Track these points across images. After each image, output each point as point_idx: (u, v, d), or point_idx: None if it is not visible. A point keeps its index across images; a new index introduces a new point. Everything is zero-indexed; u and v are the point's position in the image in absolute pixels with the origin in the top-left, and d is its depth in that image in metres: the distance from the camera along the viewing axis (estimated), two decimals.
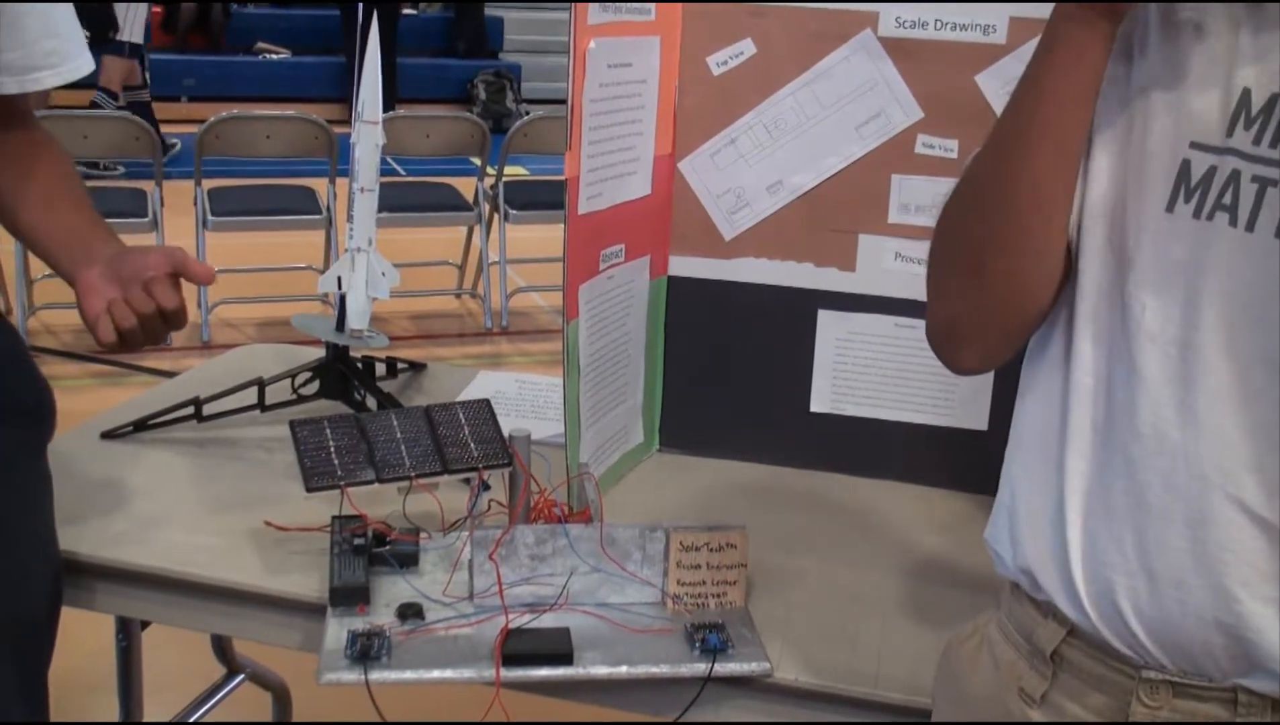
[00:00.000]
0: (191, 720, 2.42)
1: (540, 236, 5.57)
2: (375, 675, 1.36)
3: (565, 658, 1.39)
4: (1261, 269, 0.99)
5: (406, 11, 11.02)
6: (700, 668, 1.39)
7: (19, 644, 1.48)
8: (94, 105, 7.22)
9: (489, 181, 5.68)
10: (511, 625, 1.42)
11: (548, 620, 1.44)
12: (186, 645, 2.35)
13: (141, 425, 1.90)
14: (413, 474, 1.54)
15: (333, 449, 1.55)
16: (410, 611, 1.45)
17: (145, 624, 2.03)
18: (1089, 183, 1.08)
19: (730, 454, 1.97)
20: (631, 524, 1.49)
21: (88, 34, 1.62)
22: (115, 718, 2.03)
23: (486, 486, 1.63)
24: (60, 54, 1.58)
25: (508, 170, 5.71)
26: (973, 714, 1.20)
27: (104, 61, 7.37)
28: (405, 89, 10.10)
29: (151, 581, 1.58)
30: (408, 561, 1.53)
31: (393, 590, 1.49)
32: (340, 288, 1.95)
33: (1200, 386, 1.02)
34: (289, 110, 5.99)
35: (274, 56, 10.76)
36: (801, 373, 1.94)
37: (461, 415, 1.60)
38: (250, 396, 1.95)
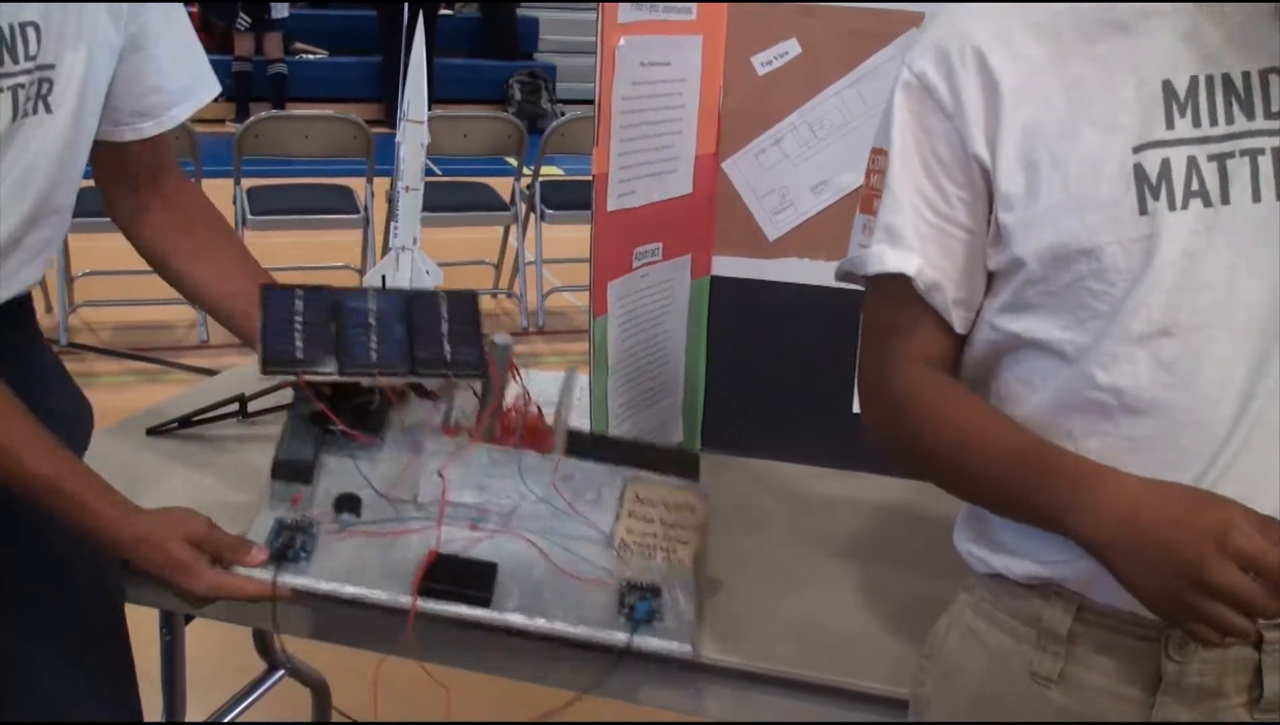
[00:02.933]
0: (231, 716, 2.43)
1: (576, 236, 5.56)
2: (287, 578, 1.32)
3: (483, 600, 1.32)
4: (1256, 236, 1.06)
5: (443, 12, 11.05)
6: (620, 636, 1.32)
7: (100, 633, 1.54)
8: None
9: (525, 181, 5.69)
10: (445, 548, 1.36)
11: (485, 547, 1.38)
12: (228, 639, 2.36)
13: (187, 422, 1.91)
14: (377, 372, 1.42)
15: (300, 326, 1.43)
16: (347, 504, 1.38)
17: (189, 618, 2.04)
18: (1020, 241, 1.10)
19: (773, 454, 1.97)
20: (590, 464, 1.43)
21: None
22: (159, 710, 2.04)
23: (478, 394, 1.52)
24: (188, 87, 1.62)
25: (544, 170, 5.72)
26: (986, 707, 1.20)
27: None
28: (441, 89, 10.11)
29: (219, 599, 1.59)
30: (371, 423, 1.45)
31: (341, 478, 1.42)
32: (384, 286, 1.96)
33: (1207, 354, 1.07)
34: (326, 110, 6.02)
35: (311, 57, 10.81)
36: (845, 373, 1.92)
37: (444, 308, 1.47)
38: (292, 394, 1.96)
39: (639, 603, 1.34)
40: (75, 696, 1.51)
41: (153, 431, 1.90)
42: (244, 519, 1.65)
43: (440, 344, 1.44)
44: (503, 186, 5.80)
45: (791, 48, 1.85)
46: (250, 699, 2.48)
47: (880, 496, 1.87)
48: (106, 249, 4.75)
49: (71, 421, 1.58)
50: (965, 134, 1.12)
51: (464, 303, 1.48)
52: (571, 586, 1.36)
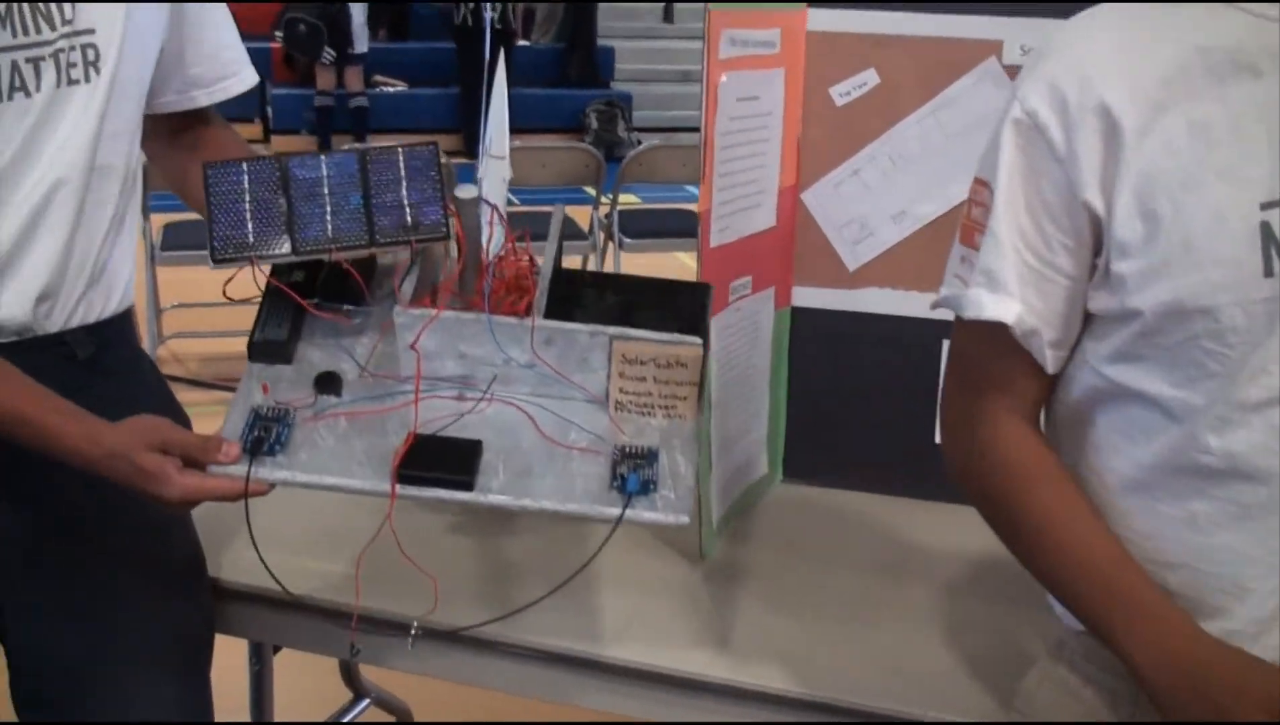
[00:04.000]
0: None
1: (654, 264, 5.59)
2: (263, 473, 1.26)
3: (465, 483, 1.25)
4: None
5: (521, 43, 11.16)
6: (611, 512, 1.24)
7: (185, 661, 1.56)
8: None
9: (603, 210, 5.72)
10: (429, 427, 1.28)
11: (472, 420, 1.30)
12: (315, 669, 2.39)
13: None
14: (332, 247, 1.33)
15: (248, 204, 1.34)
16: (327, 384, 1.33)
17: (277, 648, 2.07)
18: (1136, 292, 1.06)
19: (854, 485, 1.96)
20: (570, 326, 1.32)
21: None
22: None
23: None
24: (239, 60, 1.66)
25: (621, 198, 5.74)
26: None
27: None
28: (518, 119, 10.15)
29: (284, 606, 1.61)
30: (351, 294, 1.39)
31: (324, 354, 1.36)
32: None
33: None
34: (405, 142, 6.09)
35: (390, 89, 10.95)
36: (926, 403, 1.92)
37: (401, 165, 1.36)
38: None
39: (630, 473, 1.26)
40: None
41: None
42: (331, 546, 1.68)
43: (401, 207, 1.35)
44: (581, 215, 5.83)
45: (870, 78, 1.85)
46: None
47: (963, 529, 1.85)
48: (192, 281, 4.83)
49: None
50: (1076, 179, 1.07)
51: (423, 158, 1.37)
52: (560, 458, 1.28)
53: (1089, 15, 1.11)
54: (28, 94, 1.37)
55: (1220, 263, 1.02)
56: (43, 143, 1.39)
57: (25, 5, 1.35)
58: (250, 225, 1.33)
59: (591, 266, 5.78)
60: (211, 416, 1.70)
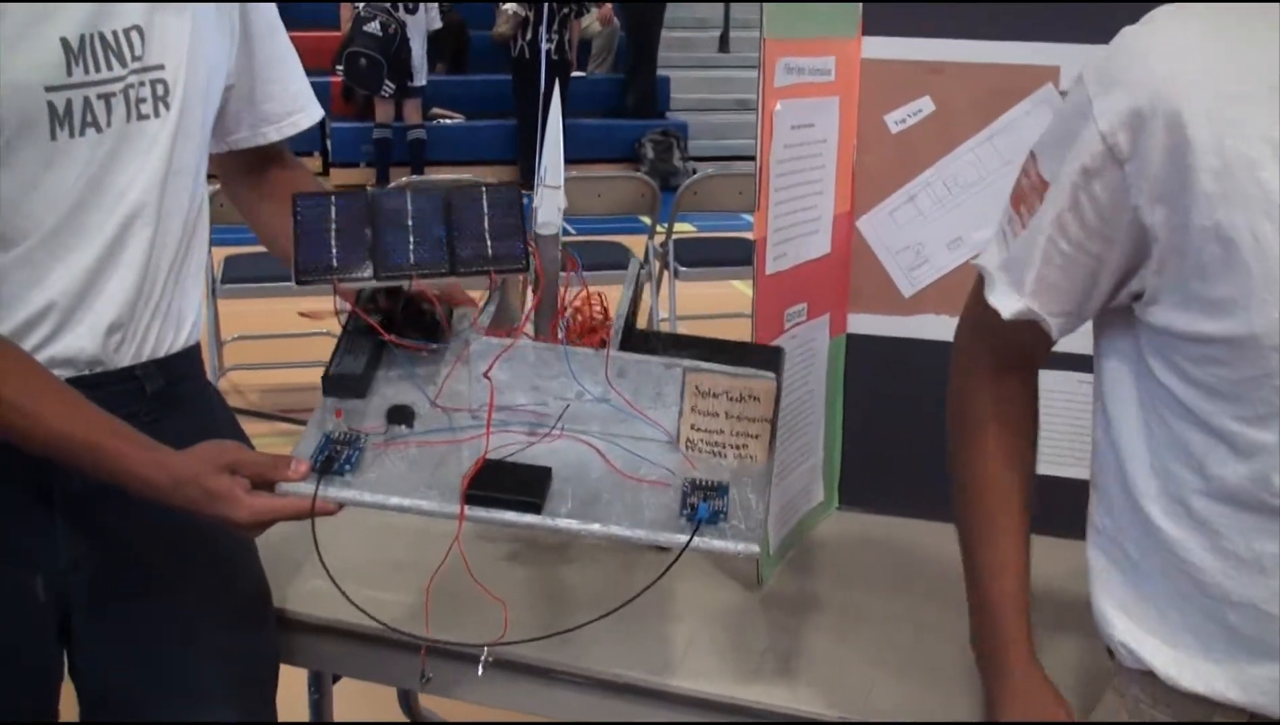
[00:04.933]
0: None
1: (710, 293, 5.60)
2: (331, 492, 1.26)
3: (533, 505, 1.25)
4: None
5: (576, 74, 11.23)
6: (679, 538, 1.23)
7: (251, 694, 1.58)
8: None
9: (659, 239, 5.73)
10: (497, 454, 1.29)
11: (540, 451, 1.31)
12: (374, 698, 2.40)
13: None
14: (414, 272, 1.35)
15: (334, 232, 1.36)
16: (400, 416, 1.33)
17: (336, 678, 2.09)
18: (1209, 318, 1.05)
19: (911, 513, 1.94)
20: (644, 357, 1.33)
21: None
22: None
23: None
24: (306, 95, 1.69)
25: (677, 227, 5.75)
26: None
27: None
28: (574, 149, 10.18)
29: (345, 635, 1.62)
30: (430, 333, 1.41)
31: (397, 390, 1.37)
32: None
33: None
34: (464, 174, 6.14)
35: (448, 121, 11.05)
36: None
37: (485, 202, 1.39)
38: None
39: (700, 503, 1.25)
40: None
41: None
42: (391, 575, 1.69)
43: (482, 240, 1.37)
44: (636, 245, 5.85)
45: (925, 105, 1.85)
46: None
47: None
48: (253, 313, 4.90)
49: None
50: (1133, 184, 1.06)
51: (505, 195, 1.40)
52: (630, 489, 1.28)
53: (1170, 14, 1.07)
54: (99, 129, 1.39)
55: None
56: (113, 177, 1.42)
57: (98, 42, 1.38)
58: (335, 250, 1.35)
59: (646, 296, 5.80)
60: (272, 448, 1.72)
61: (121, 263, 1.44)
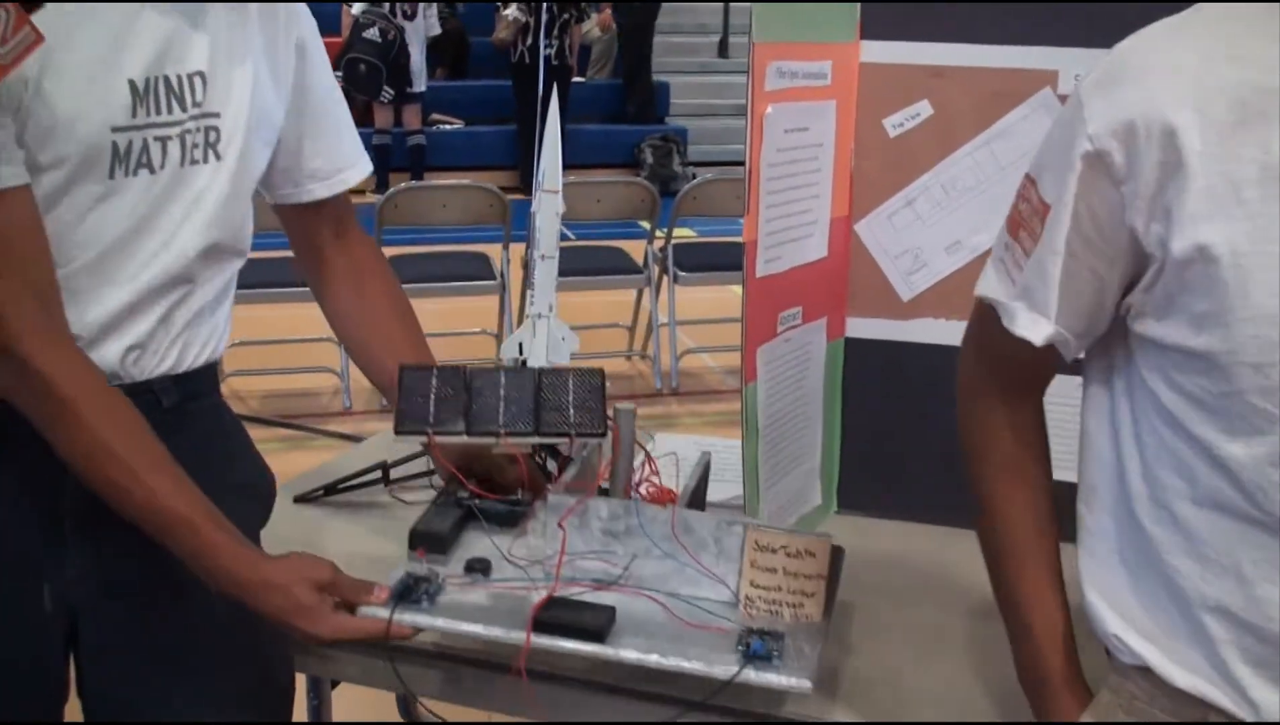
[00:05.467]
0: None
1: (710, 297, 5.60)
2: (407, 617, 1.36)
3: (596, 635, 1.33)
4: None
5: (576, 79, 11.24)
6: (731, 669, 1.30)
7: (267, 709, 1.60)
8: None
9: (658, 244, 5.74)
10: (565, 595, 1.39)
11: (607, 599, 1.40)
12: (373, 703, 2.40)
13: (332, 489, 1.96)
14: (502, 431, 1.48)
15: (433, 397, 1.50)
16: (477, 566, 1.44)
17: (335, 683, 2.08)
18: (1190, 331, 1.06)
19: (910, 516, 1.95)
20: (708, 514, 1.44)
21: None
22: None
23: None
24: (356, 150, 1.70)
25: (676, 232, 5.76)
26: None
27: None
28: (574, 154, 10.21)
29: (341, 642, 1.62)
30: (503, 520, 1.53)
31: (476, 549, 1.49)
32: (522, 353, 1.98)
33: None
34: (464, 179, 6.15)
35: (448, 127, 11.06)
36: None
37: (571, 381, 1.54)
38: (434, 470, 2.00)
39: (755, 641, 1.33)
40: None
41: (300, 499, 1.94)
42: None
43: (565, 410, 1.50)
44: (636, 249, 5.85)
45: (923, 109, 1.85)
46: None
47: None
48: (253, 319, 4.90)
49: (253, 496, 1.63)
50: (1129, 203, 1.06)
51: (590, 376, 1.55)
52: (692, 633, 1.36)
53: (1165, 31, 1.08)
54: (152, 171, 1.41)
55: (1275, 320, 1.00)
56: (159, 219, 1.43)
57: (161, 85, 1.39)
58: (432, 409, 1.49)
59: (646, 301, 5.80)
60: (270, 453, 1.72)
61: (157, 303, 1.45)
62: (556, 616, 1.34)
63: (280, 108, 1.57)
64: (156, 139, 1.40)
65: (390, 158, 10.15)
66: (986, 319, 1.26)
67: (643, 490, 1.56)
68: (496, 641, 1.35)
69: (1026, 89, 1.80)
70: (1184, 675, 1.12)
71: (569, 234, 7.28)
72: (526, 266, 1.99)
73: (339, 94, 1.68)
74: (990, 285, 1.23)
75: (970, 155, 1.84)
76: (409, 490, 1.98)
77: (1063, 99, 1.78)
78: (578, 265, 5.59)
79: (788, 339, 1.79)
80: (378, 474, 1.98)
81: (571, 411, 1.50)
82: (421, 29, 10.19)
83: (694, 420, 5.40)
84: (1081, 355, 1.23)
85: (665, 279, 5.69)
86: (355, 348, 1.76)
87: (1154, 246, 1.06)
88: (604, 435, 1.51)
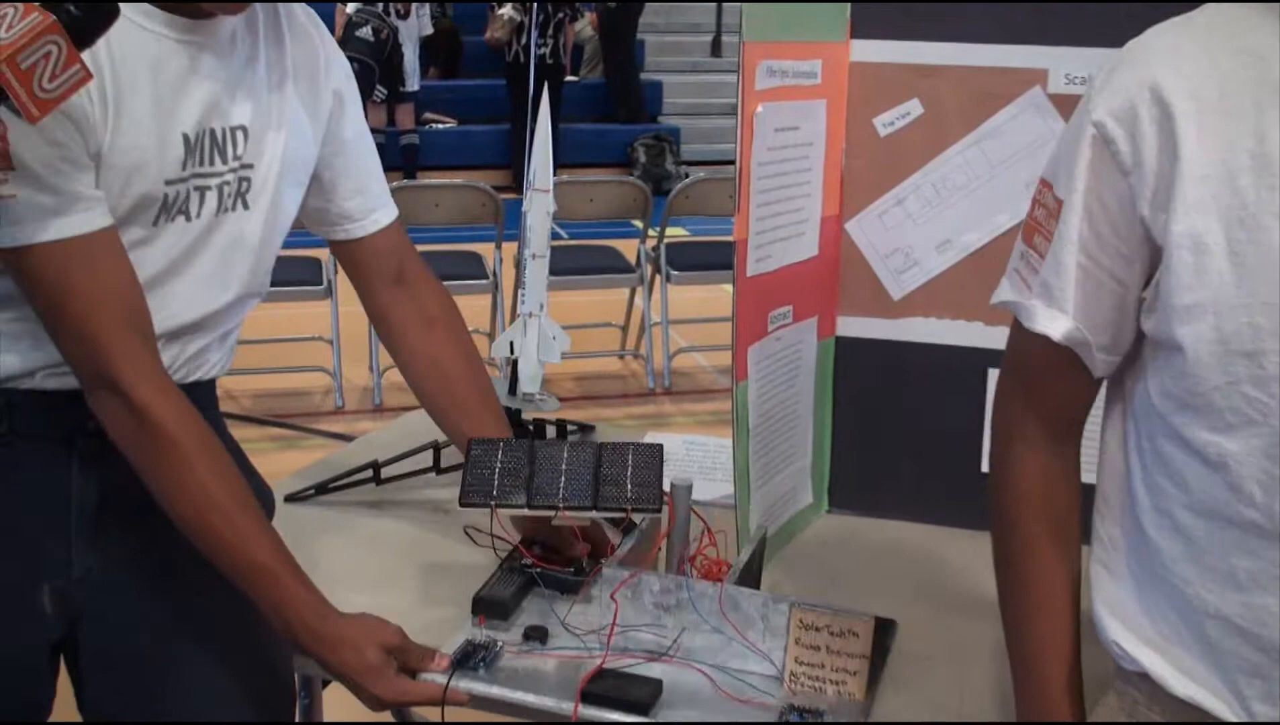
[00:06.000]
0: None
1: (702, 297, 5.60)
2: (463, 684, 1.42)
3: (642, 707, 1.39)
4: None
5: (568, 79, 11.23)
6: None
7: (264, 709, 1.58)
8: None
9: (651, 243, 5.74)
10: (616, 666, 1.44)
11: (655, 670, 1.45)
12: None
13: (323, 489, 1.96)
14: (560, 505, 1.55)
15: (498, 469, 1.58)
16: (535, 634, 1.50)
17: (326, 682, 2.08)
18: (1180, 323, 1.05)
19: (900, 515, 1.95)
20: (756, 592, 1.48)
21: None
22: None
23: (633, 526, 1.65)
24: (384, 191, 1.73)
25: (669, 231, 5.76)
26: None
27: None
28: (567, 154, 10.26)
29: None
30: (563, 588, 1.59)
31: (536, 616, 1.55)
32: (512, 352, 1.99)
33: None
34: (456, 179, 6.14)
35: (441, 126, 11.05)
36: (973, 432, 1.91)
37: (630, 456, 1.60)
38: (426, 459, 2.00)
39: (794, 717, 1.38)
40: None
41: (291, 498, 1.94)
42: (381, 581, 1.69)
43: (623, 485, 1.57)
44: (629, 249, 5.85)
45: (913, 108, 1.85)
46: None
47: None
48: (246, 320, 4.89)
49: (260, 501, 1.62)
50: (1138, 193, 1.06)
51: (650, 452, 1.61)
52: (734, 708, 1.41)
53: (1171, 27, 1.09)
54: (188, 218, 1.43)
55: (1271, 307, 1.00)
56: (187, 264, 1.45)
57: (208, 139, 1.42)
58: (496, 481, 1.57)
59: (639, 300, 5.81)
60: (263, 453, 1.72)
61: (177, 340, 1.47)
62: (605, 688, 1.40)
63: (314, 152, 1.59)
64: (197, 189, 1.43)
65: (383, 157, 10.12)
66: (1015, 351, 1.24)
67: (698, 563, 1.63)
68: (546, 712, 1.41)
69: (1016, 88, 1.80)
70: (1183, 684, 1.12)
71: (561, 233, 7.28)
72: (518, 265, 1.99)
73: (370, 142, 1.70)
74: (1005, 292, 1.21)
75: (960, 154, 1.84)
76: (400, 489, 1.98)
77: (1052, 98, 1.79)
78: (571, 264, 5.59)
79: (778, 338, 1.80)
80: (369, 473, 1.98)
81: (630, 487, 1.57)
82: (415, 28, 10.18)
83: (686, 419, 5.40)
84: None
85: (658, 278, 5.69)
86: (424, 398, 1.78)
87: (1160, 236, 1.06)
88: (659, 511, 1.57)
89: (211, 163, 1.43)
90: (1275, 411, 1.01)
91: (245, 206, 1.49)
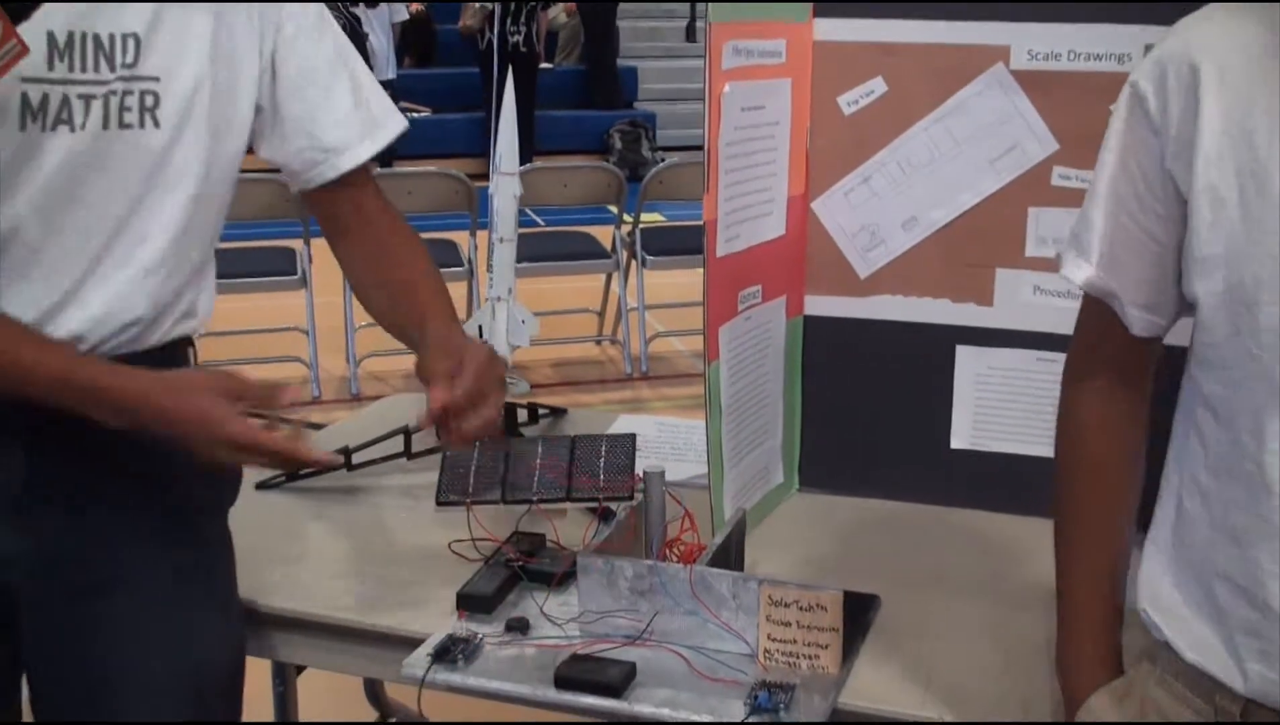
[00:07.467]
0: None
1: (678, 281, 5.60)
2: (439, 676, 1.44)
3: (614, 691, 1.40)
4: None
5: (543, 66, 11.22)
6: (738, 719, 1.37)
7: (202, 692, 1.54)
8: None
9: (626, 229, 5.74)
10: (591, 651, 1.46)
11: (631, 654, 1.46)
12: (340, 690, 2.40)
13: (293, 475, 1.95)
14: (535, 498, 1.60)
15: (474, 466, 1.62)
16: (516, 625, 1.51)
17: (300, 669, 2.08)
18: (1198, 277, 1.09)
19: (871, 492, 1.95)
20: (725, 572, 1.49)
21: None
22: None
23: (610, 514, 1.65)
24: (370, 121, 1.62)
25: (644, 217, 5.76)
26: None
27: None
28: (543, 141, 10.26)
29: (306, 627, 1.62)
30: (545, 581, 1.59)
31: (519, 609, 1.56)
32: (481, 336, 1.99)
33: None
34: (430, 167, 6.13)
35: (416, 115, 11.02)
36: (941, 409, 1.92)
37: (604, 447, 1.65)
38: (396, 445, 2.00)
39: (763, 693, 1.39)
40: None
41: (261, 485, 1.94)
42: (352, 567, 1.69)
43: (596, 476, 1.63)
44: (604, 235, 5.86)
45: (877, 86, 1.86)
46: None
47: (979, 534, 1.85)
48: (221, 310, 4.88)
49: (221, 478, 1.60)
50: (1165, 149, 1.10)
51: (623, 442, 1.67)
52: (707, 687, 1.43)
53: (1220, 5, 1.12)
54: (71, 128, 1.37)
55: (1272, 259, 1.02)
56: (93, 182, 1.39)
57: (90, 42, 1.36)
58: (471, 480, 1.64)
59: (615, 285, 5.81)
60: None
61: (102, 279, 1.42)
62: (578, 672, 1.42)
63: (249, 79, 1.51)
64: (80, 96, 1.36)
65: None
66: (1081, 313, 1.28)
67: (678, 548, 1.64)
68: (523, 698, 1.42)
69: (979, 65, 1.81)
70: (1192, 651, 1.13)
71: (537, 220, 7.28)
72: (489, 250, 1.99)
73: (330, 80, 1.59)
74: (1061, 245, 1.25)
75: (925, 131, 1.85)
76: (371, 475, 1.98)
77: (1015, 74, 1.79)
78: (547, 251, 5.59)
79: (748, 317, 1.80)
80: (339, 459, 1.97)
81: (602, 477, 1.64)
82: (385, 15, 10.14)
83: (664, 404, 5.41)
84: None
85: (634, 263, 5.70)
86: (380, 314, 1.65)
87: (1186, 192, 1.09)
88: (630, 498, 1.61)
89: (95, 69, 1.36)
90: (1267, 364, 1.03)
91: (155, 124, 1.42)
